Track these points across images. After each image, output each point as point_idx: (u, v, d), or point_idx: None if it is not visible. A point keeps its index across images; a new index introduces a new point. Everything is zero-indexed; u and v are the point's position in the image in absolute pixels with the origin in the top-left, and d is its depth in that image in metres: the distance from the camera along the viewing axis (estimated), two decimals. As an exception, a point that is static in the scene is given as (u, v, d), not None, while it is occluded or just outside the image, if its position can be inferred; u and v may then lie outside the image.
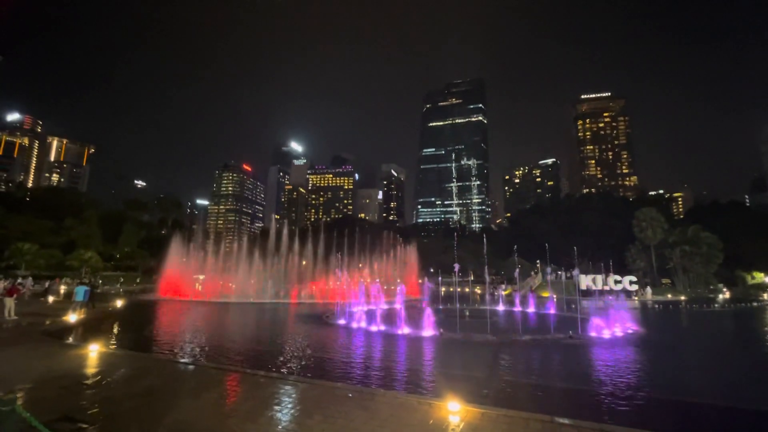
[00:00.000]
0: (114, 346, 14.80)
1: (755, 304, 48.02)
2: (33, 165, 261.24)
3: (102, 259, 68.62)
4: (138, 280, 67.12)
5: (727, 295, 64.16)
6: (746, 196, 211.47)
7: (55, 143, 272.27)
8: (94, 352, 11.66)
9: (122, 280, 62.97)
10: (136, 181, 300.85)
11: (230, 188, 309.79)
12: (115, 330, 20.10)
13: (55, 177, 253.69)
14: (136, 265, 76.63)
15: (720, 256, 66.81)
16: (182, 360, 12.35)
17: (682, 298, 57.15)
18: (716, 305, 46.07)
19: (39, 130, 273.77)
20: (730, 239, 69.25)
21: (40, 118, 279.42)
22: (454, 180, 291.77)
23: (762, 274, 76.52)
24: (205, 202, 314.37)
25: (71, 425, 6.19)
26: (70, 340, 15.90)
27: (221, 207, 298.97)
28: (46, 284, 41.43)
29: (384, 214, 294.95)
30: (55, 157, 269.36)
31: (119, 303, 29.81)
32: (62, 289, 42.37)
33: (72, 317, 19.72)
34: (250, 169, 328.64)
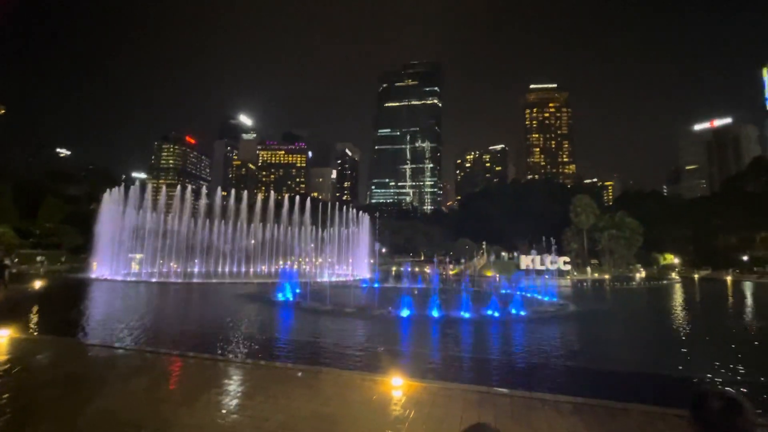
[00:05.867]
0: (30, 331, 13.37)
1: (665, 282, 54.52)
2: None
3: (18, 236, 61.22)
4: (63, 259, 61.00)
5: (643, 274, 72.17)
6: (664, 186, 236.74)
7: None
8: (3, 338, 10.42)
9: (42, 258, 56.88)
10: (58, 150, 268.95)
11: (171, 162, 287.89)
12: (33, 313, 18.16)
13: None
14: (60, 243, 69.39)
15: (640, 239, 74.63)
16: (110, 344, 11.46)
17: (606, 276, 63.39)
18: (633, 283, 51.76)
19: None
20: (649, 224, 77.41)
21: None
22: (408, 162, 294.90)
23: (672, 256, 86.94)
24: (143, 176, 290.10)
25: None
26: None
27: (161, 182, 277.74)
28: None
29: (338, 194, 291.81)
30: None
31: (38, 283, 26.98)
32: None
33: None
34: (194, 141, 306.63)
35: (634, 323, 21.32)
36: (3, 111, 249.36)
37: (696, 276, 69.58)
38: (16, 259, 50.85)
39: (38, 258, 56.73)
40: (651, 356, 13.27)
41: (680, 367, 11.63)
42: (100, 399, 6.33)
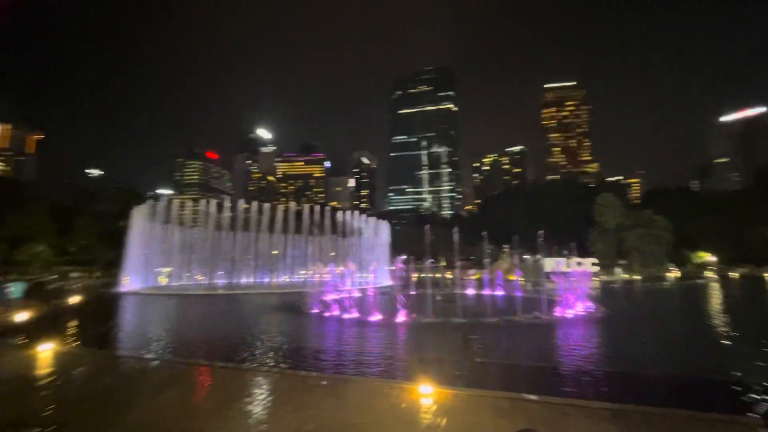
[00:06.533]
0: (70, 345, 14.00)
1: (699, 281, 52.01)
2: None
3: (55, 254, 64.40)
4: (98, 274, 63.67)
5: (676, 273, 69.14)
6: (694, 182, 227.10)
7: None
8: (47, 351, 10.94)
9: (79, 274, 59.55)
10: (89, 171, 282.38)
11: (194, 177, 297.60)
12: (72, 327, 18.98)
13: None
14: (93, 259, 72.52)
15: (670, 237, 71.69)
16: (144, 356, 11.87)
17: (636, 277, 61.07)
18: (666, 283, 49.58)
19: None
20: (679, 222, 74.31)
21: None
22: (425, 167, 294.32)
23: (706, 254, 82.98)
24: (168, 192, 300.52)
25: (24, 431, 5.80)
26: (21, 340, 14.86)
27: (185, 197, 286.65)
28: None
29: (356, 203, 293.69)
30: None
31: (76, 298, 28.17)
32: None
33: (20, 316, 18.44)
34: (215, 156, 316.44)
35: (668, 325, 20.41)
36: (40, 136, 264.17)
37: (733, 274, 66.12)
38: (55, 276, 53.37)
39: (74, 274, 59.37)
40: (690, 359, 12.66)
41: (723, 370, 11.05)
42: (136, 411, 6.56)
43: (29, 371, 9.14)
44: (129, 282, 45.20)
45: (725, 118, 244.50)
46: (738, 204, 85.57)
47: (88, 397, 7.32)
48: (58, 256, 65.51)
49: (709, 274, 65.21)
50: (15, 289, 20.81)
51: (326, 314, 22.63)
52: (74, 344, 14.51)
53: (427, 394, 6.98)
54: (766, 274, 61.82)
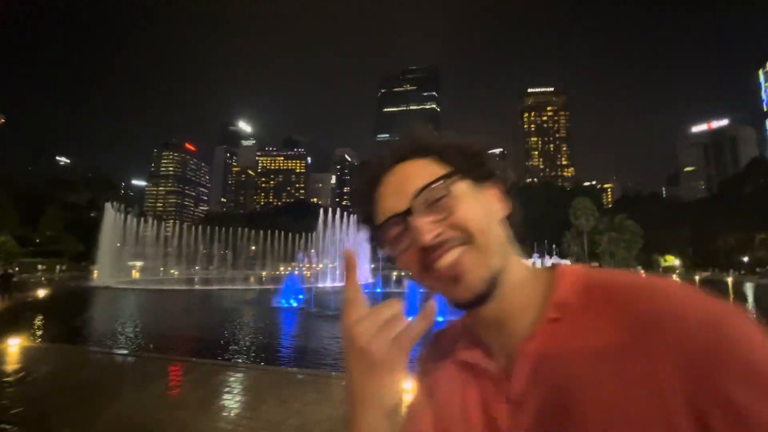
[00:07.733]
0: (37, 340, 13.46)
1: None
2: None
3: (19, 244, 61.32)
4: (64, 267, 61.09)
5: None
6: (663, 188, 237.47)
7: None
8: (13, 346, 10.49)
9: (45, 266, 57.03)
10: (58, 158, 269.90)
11: (171, 168, 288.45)
12: (38, 321, 18.21)
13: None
14: (61, 250, 69.50)
15: (640, 242, 74.89)
16: (120, 351, 11.56)
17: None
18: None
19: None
20: (648, 227, 77.72)
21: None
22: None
23: (673, 258, 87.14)
24: (143, 183, 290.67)
25: (-9, 427, 5.60)
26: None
27: (161, 188, 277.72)
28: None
29: (337, 199, 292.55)
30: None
31: (42, 292, 27.02)
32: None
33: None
34: (193, 148, 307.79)
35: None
36: (2, 121, 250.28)
37: (697, 278, 69.62)
38: (17, 268, 50.89)
39: (39, 266, 56.79)
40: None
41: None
42: (116, 405, 6.43)
43: (-5, 367, 8.77)
44: (99, 276, 43.61)
45: (694, 129, 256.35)
46: (703, 212, 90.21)
47: (63, 392, 7.12)
48: (22, 246, 62.39)
49: (674, 277, 68.37)
50: None
51: (305, 310, 22.55)
52: (42, 339, 13.95)
53: (407, 389, 7.13)
54: (728, 278, 65.35)
